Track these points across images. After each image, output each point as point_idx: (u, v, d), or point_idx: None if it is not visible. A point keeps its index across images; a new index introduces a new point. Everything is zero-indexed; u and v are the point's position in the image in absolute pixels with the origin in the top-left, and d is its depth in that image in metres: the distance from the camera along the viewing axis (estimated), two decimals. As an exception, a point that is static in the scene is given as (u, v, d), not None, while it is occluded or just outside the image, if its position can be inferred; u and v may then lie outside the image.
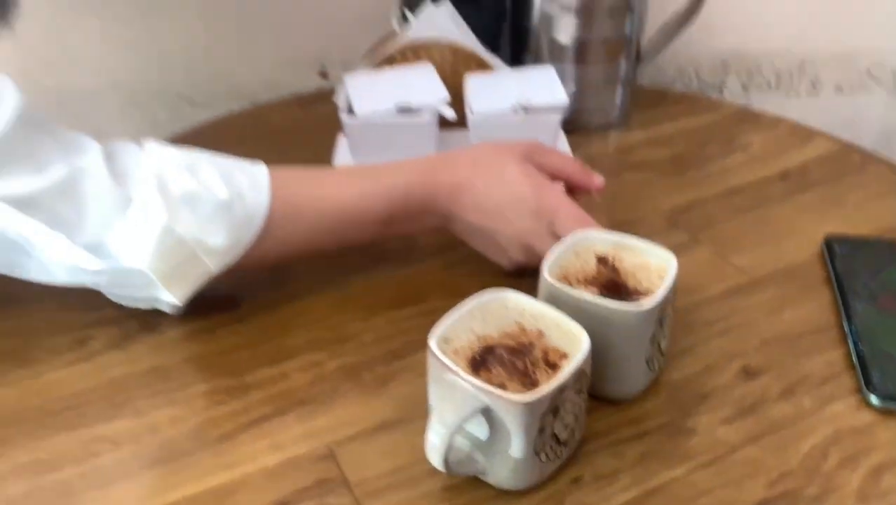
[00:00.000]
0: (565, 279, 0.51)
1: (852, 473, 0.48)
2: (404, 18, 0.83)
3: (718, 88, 1.05)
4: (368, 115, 0.69)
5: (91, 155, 0.53)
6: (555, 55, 0.82)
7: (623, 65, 0.84)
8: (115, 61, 0.96)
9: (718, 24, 0.97)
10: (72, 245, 0.52)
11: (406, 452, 0.48)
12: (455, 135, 0.73)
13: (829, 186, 0.75)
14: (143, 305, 0.58)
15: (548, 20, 0.81)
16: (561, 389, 0.43)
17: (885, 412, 0.51)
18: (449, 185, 0.59)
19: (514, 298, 0.48)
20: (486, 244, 0.61)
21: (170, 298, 0.55)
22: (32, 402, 0.53)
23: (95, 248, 0.52)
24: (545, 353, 0.46)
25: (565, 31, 0.81)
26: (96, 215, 0.52)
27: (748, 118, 0.88)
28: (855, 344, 0.55)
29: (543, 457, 0.45)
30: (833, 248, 0.64)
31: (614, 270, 0.52)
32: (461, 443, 0.46)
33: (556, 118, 0.71)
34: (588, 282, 0.51)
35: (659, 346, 0.52)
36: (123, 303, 0.58)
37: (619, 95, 0.86)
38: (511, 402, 0.42)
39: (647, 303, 0.48)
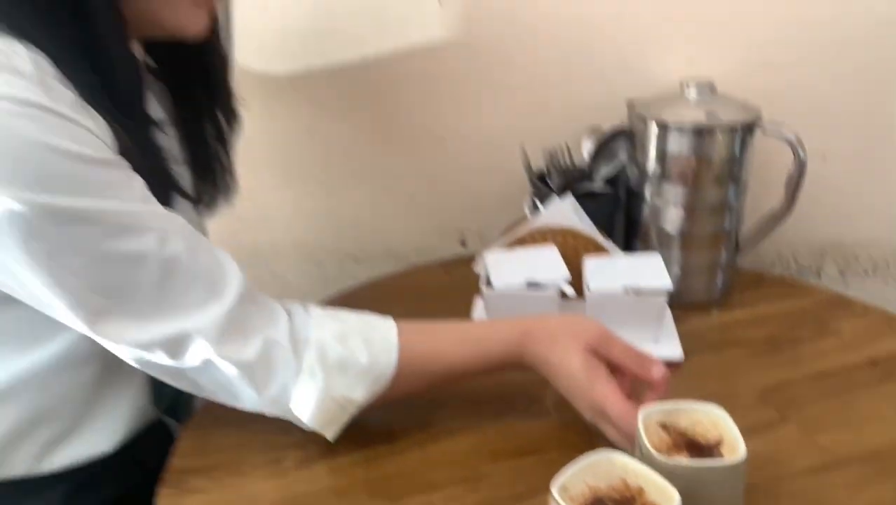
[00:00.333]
0: (656, 447, 0.57)
1: None
2: (535, 207, 0.94)
3: (816, 273, 1.09)
4: (502, 288, 0.79)
5: (281, 326, 0.65)
6: (662, 243, 0.91)
7: (724, 253, 0.91)
8: (300, 224, 1.13)
9: (816, 214, 1.03)
10: (258, 398, 0.65)
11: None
12: (573, 306, 0.81)
13: (916, 376, 0.77)
14: None
15: (656, 213, 0.90)
16: None
17: None
18: (532, 355, 0.69)
19: (619, 459, 0.55)
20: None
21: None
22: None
23: (275, 401, 0.65)
24: None
25: (671, 223, 0.90)
26: (279, 381, 0.65)
27: (841, 304, 0.92)
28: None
29: None
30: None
31: (679, 432, 0.58)
32: None
33: (662, 300, 0.79)
34: (671, 447, 0.57)
35: None
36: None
37: (719, 278, 0.92)
38: None
39: (737, 456, 0.54)
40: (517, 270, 0.81)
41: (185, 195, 0.73)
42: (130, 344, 0.62)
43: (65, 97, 0.58)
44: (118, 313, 0.61)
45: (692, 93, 0.88)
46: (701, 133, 0.86)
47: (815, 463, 0.66)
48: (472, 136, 1.06)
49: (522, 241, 0.89)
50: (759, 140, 0.89)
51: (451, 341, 0.70)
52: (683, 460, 0.55)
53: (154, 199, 0.63)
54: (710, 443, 0.57)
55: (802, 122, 0.94)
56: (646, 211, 0.92)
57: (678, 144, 0.87)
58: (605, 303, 0.78)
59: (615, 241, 0.95)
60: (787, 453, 0.67)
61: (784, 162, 0.89)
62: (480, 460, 0.68)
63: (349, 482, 0.66)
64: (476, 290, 0.84)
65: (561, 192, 0.94)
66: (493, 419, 0.73)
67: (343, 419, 0.67)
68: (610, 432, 0.65)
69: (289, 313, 0.67)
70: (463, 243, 1.12)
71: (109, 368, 0.70)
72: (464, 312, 0.88)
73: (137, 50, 0.71)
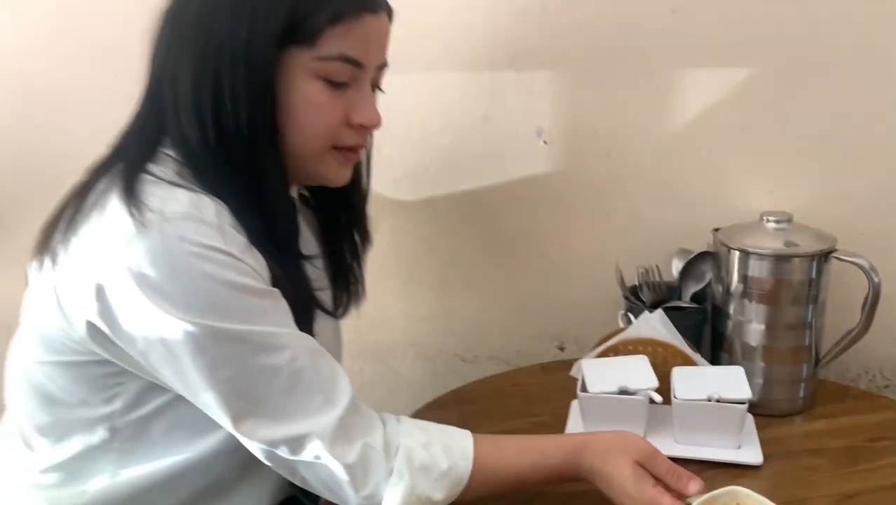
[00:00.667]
0: None
1: None
2: (628, 319, 1.05)
3: (901, 388, 1.14)
4: (596, 393, 0.90)
5: (377, 433, 0.76)
6: (746, 355, 1.00)
7: (804, 367, 0.99)
8: (416, 327, 1.28)
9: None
10: (355, 495, 0.74)
11: None
12: (661, 411, 0.91)
13: None
14: None
15: (739, 328, 1.00)
16: None
17: None
18: (588, 467, 0.78)
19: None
20: None
21: None
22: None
23: (369, 499, 0.74)
24: None
25: (754, 337, 0.99)
26: (373, 481, 0.74)
27: (922, 419, 0.97)
28: None
29: None
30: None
31: None
32: None
33: (743, 409, 0.87)
34: None
35: None
36: None
37: (802, 390, 1.00)
38: None
39: None
40: (610, 376, 0.92)
41: (325, 311, 0.87)
42: (261, 440, 0.73)
43: (236, 240, 0.73)
44: (254, 414, 0.73)
45: (771, 224, 0.99)
46: (779, 260, 0.96)
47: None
48: (571, 253, 1.19)
49: (616, 351, 1.00)
50: (838, 263, 0.98)
51: (516, 451, 0.80)
52: None
53: (291, 322, 0.76)
54: None
55: (882, 246, 1.03)
56: (730, 326, 1.01)
57: (758, 269, 0.97)
58: (690, 410, 0.88)
59: (703, 353, 1.04)
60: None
61: (864, 283, 0.97)
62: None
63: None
64: (572, 392, 0.95)
65: (652, 306, 1.05)
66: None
67: None
68: None
69: (384, 423, 0.78)
70: (561, 348, 1.24)
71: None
72: (561, 412, 0.98)
73: (295, 189, 0.88)
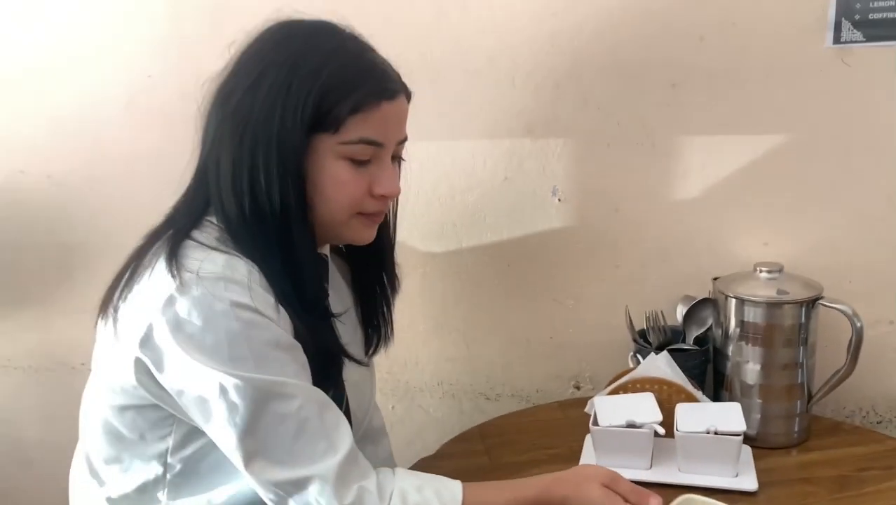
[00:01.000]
0: None
1: None
2: (636, 360, 1.16)
3: (892, 422, 1.23)
4: (607, 427, 1.00)
5: (372, 479, 0.83)
6: (744, 392, 1.10)
7: (798, 403, 1.09)
8: (443, 367, 1.39)
9: (891, 370, 1.19)
10: None
11: None
12: (666, 443, 1.01)
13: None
14: None
15: (738, 368, 1.10)
16: None
17: None
18: (561, 499, 0.85)
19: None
20: None
21: None
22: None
23: None
24: None
25: (751, 376, 1.09)
26: None
27: (908, 451, 1.06)
28: None
29: None
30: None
31: None
32: None
33: (738, 441, 0.97)
34: None
35: None
36: None
37: (797, 424, 1.10)
38: None
39: None
40: (620, 411, 1.02)
41: (353, 360, 0.95)
42: (267, 481, 0.81)
43: (264, 298, 0.82)
44: (263, 456, 0.81)
45: (764, 274, 1.10)
46: (771, 306, 1.07)
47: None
48: (585, 300, 1.31)
49: (625, 389, 1.10)
50: (825, 309, 1.08)
51: (497, 489, 0.88)
52: None
53: (305, 375, 0.84)
54: None
55: (867, 294, 1.14)
56: (729, 366, 1.11)
57: (753, 315, 1.08)
58: (690, 441, 0.98)
59: (706, 391, 1.15)
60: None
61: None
62: None
63: None
64: (587, 427, 1.05)
65: (658, 348, 1.16)
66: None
67: None
68: None
69: (377, 472, 0.85)
70: (577, 387, 1.34)
71: None
72: (576, 444, 1.09)
73: (327, 245, 0.98)
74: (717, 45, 1.17)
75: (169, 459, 0.88)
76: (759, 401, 1.09)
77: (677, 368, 1.11)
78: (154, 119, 1.33)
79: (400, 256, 1.26)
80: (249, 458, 0.82)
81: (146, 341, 0.81)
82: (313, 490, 0.81)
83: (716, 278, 1.15)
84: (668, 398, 1.08)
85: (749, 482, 0.98)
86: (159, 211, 0.90)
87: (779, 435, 1.09)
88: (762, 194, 1.20)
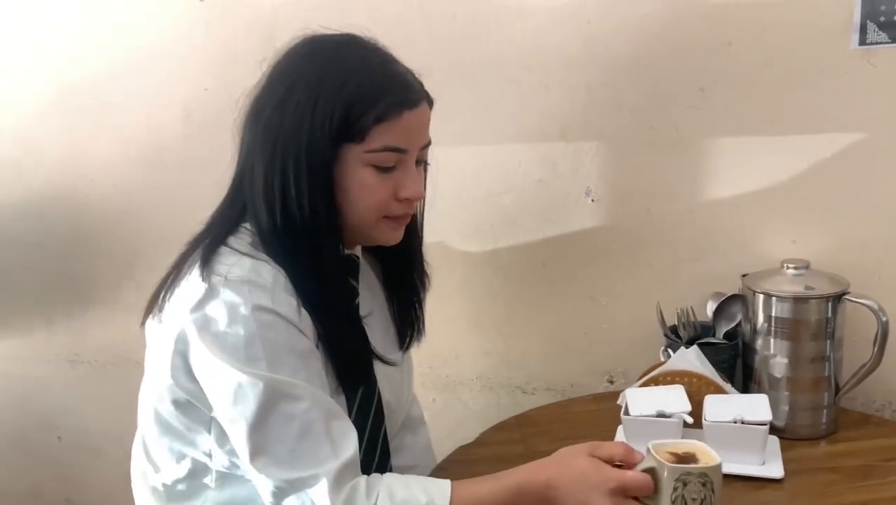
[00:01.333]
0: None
1: None
2: (667, 354, 1.20)
3: (922, 416, 1.25)
4: (637, 416, 1.05)
5: (362, 481, 0.85)
6: (772, 385, 1.13)
7: (825, 396, 1.11)
8: (482, 362, 1.45)
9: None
10: None
11: None
12: (694, 433, 1.04)
13: None
14: None
15: (766, 361, 1.13)
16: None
17: None
18: (546, 481, 0.84)
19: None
20: None
21: None
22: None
23: None
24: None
25: (779, 370, 1.12)
26: None
27: (935, 443, 1.08)
28: None
29: None
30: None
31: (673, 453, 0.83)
32: None
33: (764, 430, 1.01)
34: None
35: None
36: None
37: (823, 416, 1.12)
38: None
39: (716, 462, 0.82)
40: (650, 402, 1.06)
41: (382, 360, 0.99)
42: (269, 478, 0.84)
43: (287, 302, 0.87)
44: (266, 453, 0.85)
45: (791, 270, 1.13)
46: (798, 301, 1.10)
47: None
48: (618, 297, 1.35)
49: (656, 381, 1.14)
50: (853, 304, 1.10)
51: (485, 480, 0.88)
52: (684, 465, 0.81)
53: (318, 381, 0.87)
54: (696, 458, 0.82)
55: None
56: (757, 360, 1.15)
57: (780, 310, 1.11)
58: (718, 431, 1.01)
59: (735, 384, 1.18)
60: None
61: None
62: None
63: None
64: (619, 418, 1.09)
65: (688, 343, 1.19)
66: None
67: None
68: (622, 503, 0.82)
69: (367, 476, 0.87)
70: (611, 381, 1.39)
71: None
72: (608, 434, 1.13)
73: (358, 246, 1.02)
74: (744, 49, 1.20)
75: (213, 451, 0.94)
76: (787, 393, 1.12)
77: (707, 362, 1.15)
78: (209, 129, 1.41)
79: (438, 255, 1.33)
80: (254, 453, 0.85)
81: (179, 341, 0.88)
82: (310, 491, 0.84)
83: (744, 275, 1.19)
84: (697, 390, 1.11)
85: (775, 470, 1.01)
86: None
87: (806, 427, 1.12)
88: (790, 193, 1.23)
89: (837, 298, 1.10)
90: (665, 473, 0.81)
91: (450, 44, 1.31)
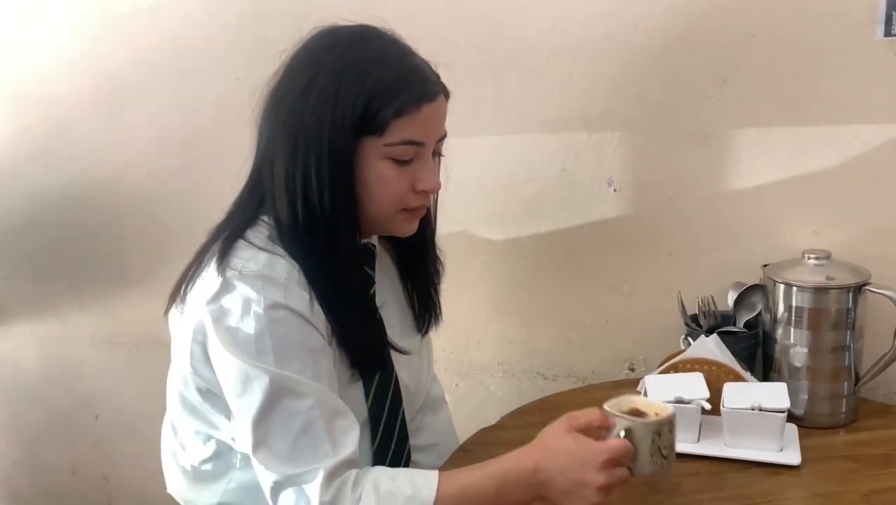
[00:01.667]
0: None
1: None
2: (687, 343, 1.20)
3: (943, 408, 1.24)
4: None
5: (352, 475, 0.86)
6: (792, 374, 1.13)
7: (845, 385, 1.11)
8: (504, 348, 1.46)
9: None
10: None
11: None
12: (713, 420, 1.05)
13: None
14: None
15: (786, 351, 1.13)
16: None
17: None
18: (534, 466, 0.85)
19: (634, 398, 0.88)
20: (570, 492, 0.84)
21: None
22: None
23: None
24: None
25: (798, 359, 1.12)
26: None
27: (955, 434, 1.07)
28: None
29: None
30: None
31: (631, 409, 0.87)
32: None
33: (782, 417, 1.01)
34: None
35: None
36: None
37: (843, 406, 1.12)
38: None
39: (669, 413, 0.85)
40: (670, 389, 1.07)
41: (395, 348, 1.00)
42: (268, 470, 0.86)
43: (300, 297, 0.87)
44: (267, 446, 0.86)
45: (812, 260, 1.12)
46: (818, 291, 1.10)
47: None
48: (639, 286, 1.36)
49: (675, 369, 1.15)
50: (875, 295, 1.10)
51: (472, 468, 0.88)
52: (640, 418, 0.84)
53: (326, 379, 0.88)
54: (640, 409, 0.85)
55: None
56: (777, 349, 1.15)
57: (800, 299, 1.11)
58: (736, 417, 1.02)
59: (755, 373, 1.18)
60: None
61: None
62: None
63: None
64: (639, 405, 1.10)
65: (708, 332, 1.20)
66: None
67: None
68: (619, 473, 0.83)
69: (357, 470, 0.87)
70: (631, 369, 1.39)
71: None
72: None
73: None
74: (767, 41, 1.20)
75: (235, 435, 0.96)
76: (807, 382, 1.12)
77: (726, 350, 1.15)
78: (241, 118, 1.42)
79: (461, 242, 1.35)
80: (256, 445, 0.87)
81: (198, 332, 0.90)
82: (305, 487, 0.85)
83: (765, 265, 1.19)
84: (716, 378, 1.12)
85: (793, 457, 1.01)
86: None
87: (825, 415, 1.12)
88: (812, 184, 1.23)
89: (858, 289, 1.09)
90: (642, 432, 0.84)
91: (474, 35, 1.32)
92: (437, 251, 1.10)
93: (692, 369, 1.14)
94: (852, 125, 1.19)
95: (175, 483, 1.06)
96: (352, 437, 0.89)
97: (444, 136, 0.97)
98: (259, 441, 0.87)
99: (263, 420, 0.86)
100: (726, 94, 1.23)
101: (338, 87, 0.88)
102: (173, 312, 0.96)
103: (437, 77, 0.94)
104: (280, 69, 0.93)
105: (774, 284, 1.14)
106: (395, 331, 1.03)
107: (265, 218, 0.94)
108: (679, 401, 1.05)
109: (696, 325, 1.25)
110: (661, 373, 1.16)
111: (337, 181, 0.89)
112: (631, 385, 1.22)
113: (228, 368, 0.88)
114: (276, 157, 0.91)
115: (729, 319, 1.24)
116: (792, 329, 1.12)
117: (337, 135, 0.88)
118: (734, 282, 1.25)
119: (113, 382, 1.72)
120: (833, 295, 1.10)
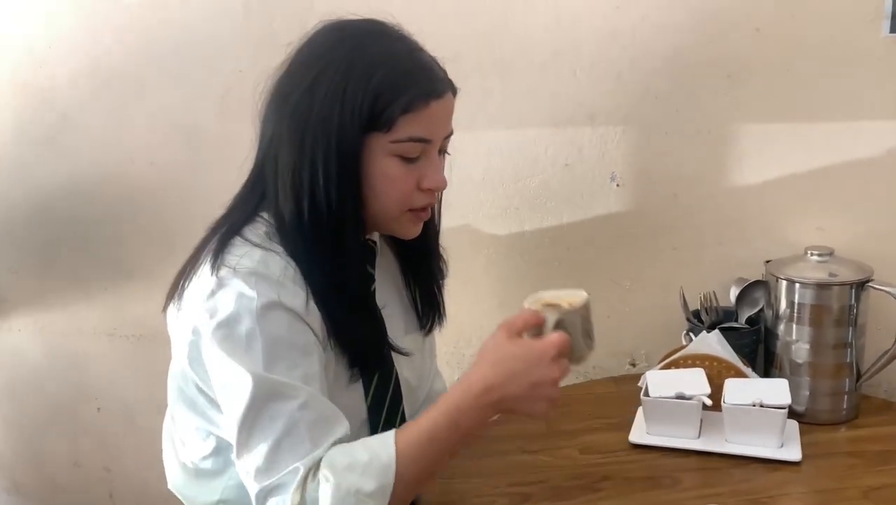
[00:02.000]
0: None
1: None
2: (689, 338, 1.20)
3: (945, 405, 1.24)
4: (657, 398, 1.06)
5: (311, 471, 0.82)
6: (793, 371, 1.13)
7: (847, 381, 1.11)
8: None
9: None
10: None
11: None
12: (714, 416, 1.05)
13: None
14: None
15: (788, 347, 1.14)
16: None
17: None
18: (481, 379, 0.83)
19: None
20: (527, 396, 0.84)
21: None
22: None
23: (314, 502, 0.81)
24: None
25: (800, 355, 1.12)
26: (309, 497, 0.81)
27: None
28: None
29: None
30: None
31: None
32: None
33: (783, 413, 1.01)
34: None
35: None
36: None
37: (844, 402, 1.12)
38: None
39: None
40: (671, 384, 1.08)
41: (393, 349, 0.98)
42: (252, 479, 0.83)
43: (294, 294, 0.85)
44: (250, 451, 0.84)
45: (815, 257, 1.13)
46: (820, 288, 1.10)
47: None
48: (641, 281, 1.36)
49: (677, 364, 1.15)
50: (877, 291, 1.10)
51: (428, 411, 0.85)
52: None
53: (316, 380, 0.85)
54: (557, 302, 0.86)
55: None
56: (779, 345, 1.15)
57: (803, 296, 1.11)
58: (737, 413, 1.02)
59: (756, 369, 1.19)
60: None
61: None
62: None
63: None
64: (639, 400, 1.10)
65: (710, 327, 1.20)
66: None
67: None
68: (565, 365, 0.84)
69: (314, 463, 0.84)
70: (633, 364, 1.40)
71: None
72: (629, 414, 1.14)
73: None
74: (773, 36, 1.20)
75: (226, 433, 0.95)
76: (808, 379, 1.13)
77: (728, 346, 1.15)
78: (244, 110, 1.43)
79: (465, 237, 1.34)
80: (240, 448, 0.85)
81: (194, 331, 0.89)
82: (285, 495, 0.83)
83: (768, 261, 1.19)
84: (717, 374, 1.12)
85: (793, 453, 1.02)
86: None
87: (827, 412, 1.13)
88: (816, 181, 1.23)
89: (861, 286, 1.09)
90: (572, 320, 0.85)
91: (479, 29, 1.32)
92: (441, 250, 1.09)
93: (694, 365, 1.14)
94: (857, 122, 1.19)
95: (175, 479, 1.06)
96: (335, 438, 0.86)
97: (450, 134, 0.96)
98: (242, 445, 0.85)
99: (248, 424, 0.84)
100: (731, 90, 1.23)
101: (345, 84, 0.87)
102: (171, 308, 0.95)
103: (445, 73, 0.93)
104: (285, 63, 0.92)
105: (777, 281, 1.14)
106: (397, 330, 1.02)
107: (264, 214, 0.93)
108: (680, 397, 1.06)
109: (698, 320, 1.25)
110: (662, 368, 1.16)
111: (344, 178, 0.88)
112: (632, 380, 1.22)
113: (218, 367, 0.87)
114: (280, 154, 0.90)
115: (731, 314, 1.25)
116: (794, 325, 1.13)
117: (345, 131, 0.87)
118: (736, 278, 1.25)
119: (116, 375, 1.72)
120: (835, 291, 1.10)
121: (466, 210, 1.38)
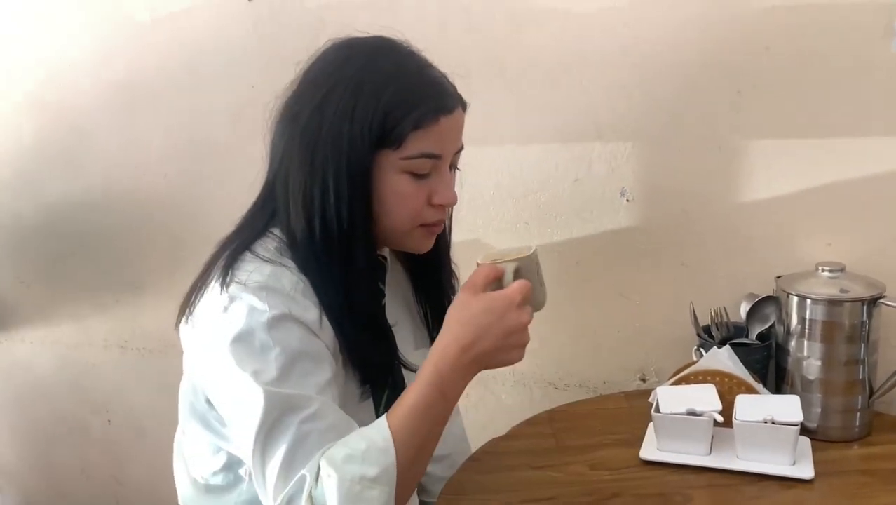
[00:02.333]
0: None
1: None
2: (700, 354, 1.20)
3: (958, 423, 1.22)
4: (667, 414, 1.05)
5: (309, 474, 0.83)
6: (805, 387, 1.12)
7: (859, 398, 1.10)
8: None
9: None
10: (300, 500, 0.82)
11: None
12: (725, 432, 1.04)
13: None
14: None
15: (799, 363, 1.13)
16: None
17: None
18: (457, 351, 0.83)
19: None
20: (502, 346, 0.85)
21: None
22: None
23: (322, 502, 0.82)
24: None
25: (811, 372, 1.11)
26: (317, 499, 0.82)
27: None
28: None
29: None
30: None
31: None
32: None
33: (795, 430, 1.00)
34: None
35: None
36: None
37: (857, 419, 1.11)
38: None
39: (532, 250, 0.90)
40: (682, 400, 1.07)
41: (408, 368, 0.99)
42: (265, 485, 0.84)
43: (305, 308, 0.86)
44: (265, 467, 0.84)
45: (826, 273, 1.12)
46: (832, 304, 1.09)
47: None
48: (651, 296, 1.35)
49: (687, 380, 1.15)
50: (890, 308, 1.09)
51: (411, 386, 0.86)
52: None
53: (328, 390, 0.86)
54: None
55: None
56: (790, 361, 1.14)
57: (815, 312, 1.10)
58: (748, 430, 1.01)
59: (768, 386, 1.18)
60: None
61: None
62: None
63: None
64: (650, 416, 1.10)
65: (721, 343, 1.19)
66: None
67: (371, 496, 0.81)
68: (529, 311, 0.85)
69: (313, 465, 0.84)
70: (643, 379, 1.39)
71: None
72: (639, 431, 1.13)
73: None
74: (782, 53, 1.20)
75: (235, 447, 0.95)
76: (820, 395, 1.11)
77: (739, 362, 1.14)
78: (256, 126, 1.44)
79: (475, 251, 1.34)
80: (255, 464, 0.85)
81: (204, 347, 0.90)
82: (299, 501, 0.82)
83: (779, 277, 1.18)
84: (728, 390, 1.11)
85: (805, 471, 1.00)
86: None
87: (839, 429, 1.12)
88: (826, 196, 1.22)
89: (872, 302, 1.08)
90: (528, 267, 0.89)
91: (489, 44, 1.32)
92: (452, 265, 1.09)
93: (704, 381, 1.13)
94: (867, 137, 1.19)
95: (186, 494, 1.06)
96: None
97: (461, 149, 0.96)
98: (256, 461, 0.85)
99: (261, 437, 0.84)
100: (741, 106, 1.23)
101: (355, 101, 0.87)
102: (183, 326, 0.95)
103: (455, 89, 0.93)
104: (295, 81, 0.93)
105: (788, 296, 1.13)
106: (407, 345, 1.02)
107: (275, 231, 0.93)
108: (691, 413, 1.05)
109: (709, 336, 1.24)
110: (673, 384, 1.15)
111: (356, 195, 0.88)
112: (643, 396, 1.21)
113: (231, 382, 0.86)
114: (291, 172, 0.90)
115: (742, 330, 1.24)
116: (805, 341, 1.12)
117: (355, 149, 0.87)
118: (747, 293, 1.25)
119: (126, 387, 1.73)
120: (847, 308, 1.09)
121: (476, 225, 1.39)
